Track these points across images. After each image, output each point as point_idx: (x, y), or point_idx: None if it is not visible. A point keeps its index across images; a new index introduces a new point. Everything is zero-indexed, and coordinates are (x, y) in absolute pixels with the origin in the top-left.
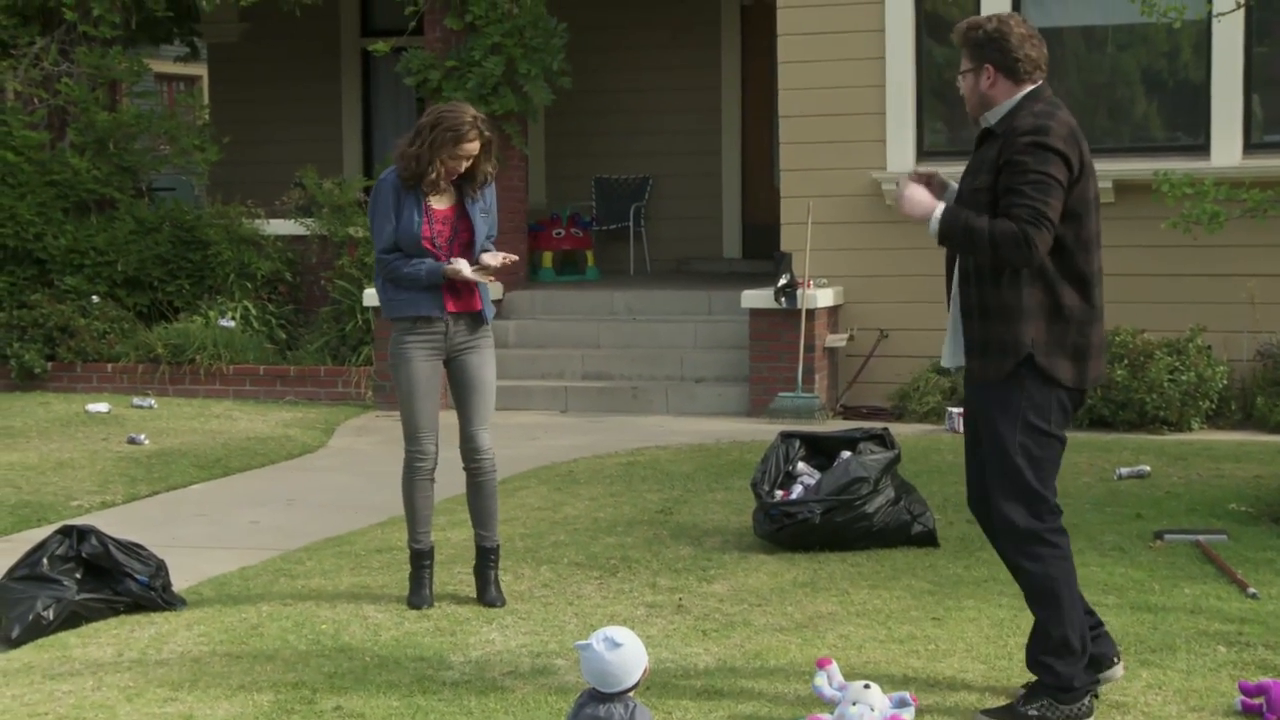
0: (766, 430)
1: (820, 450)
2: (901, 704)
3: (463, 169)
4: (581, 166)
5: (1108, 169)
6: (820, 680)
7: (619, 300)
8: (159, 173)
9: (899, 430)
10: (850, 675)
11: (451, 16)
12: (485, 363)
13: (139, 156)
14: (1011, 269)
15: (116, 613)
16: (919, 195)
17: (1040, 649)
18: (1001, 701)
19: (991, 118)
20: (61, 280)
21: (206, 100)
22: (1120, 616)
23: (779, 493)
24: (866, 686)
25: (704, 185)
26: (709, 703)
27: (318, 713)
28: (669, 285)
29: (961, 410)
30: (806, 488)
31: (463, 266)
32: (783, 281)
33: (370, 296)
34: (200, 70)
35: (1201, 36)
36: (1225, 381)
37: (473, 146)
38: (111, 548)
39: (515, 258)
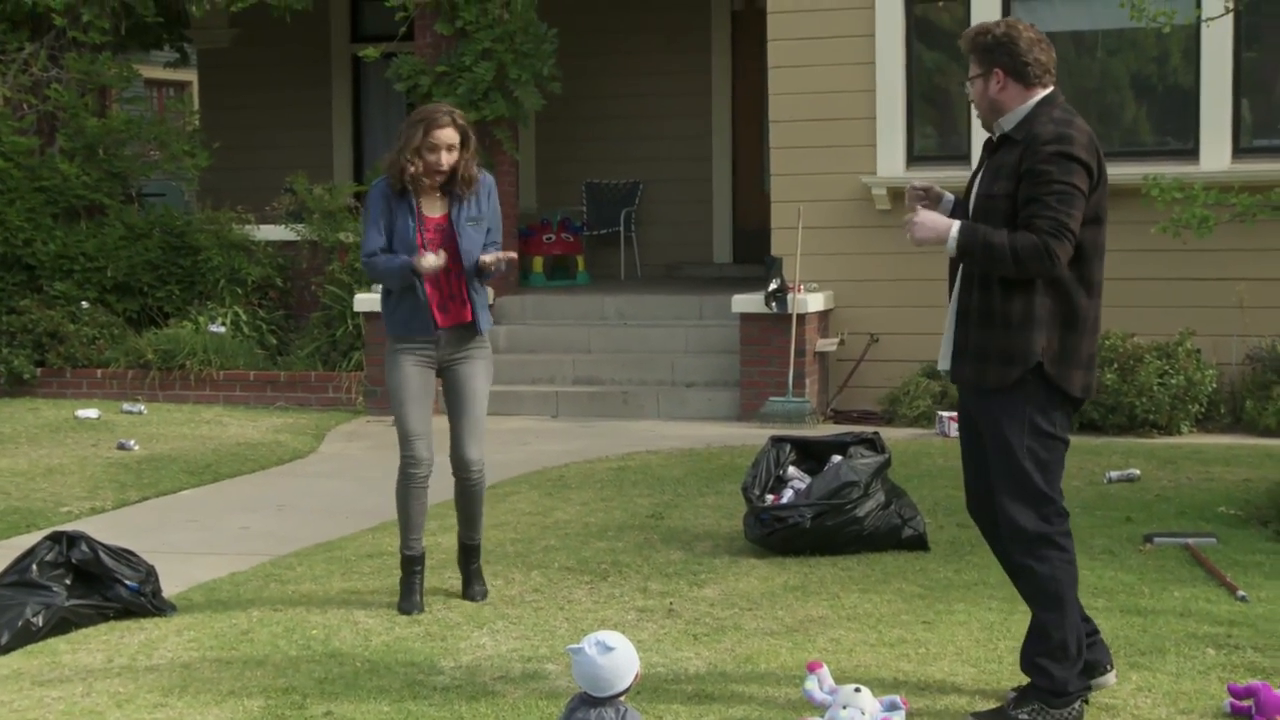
0: (757, 435)
1: (811, 455)
2: (892, 707)
3: (443, 164)
4: (572, 171)
5: None
6: (811, 684)
7: (610, 305)
8: (148, 179)
9: (889, 434)
10: (841, 679)
11: (442, 22)
12: (477, 373)
13: (128, 162)
14: (1022, 282)
15: (106, 619)
16: (931, 219)
17: (1038, 651)
18: (992, 704)
19: (1006, 124)
20: (51, 286)
21: (196, 106)
22: (1109, 619)
23: (770, 497)
24: (857, 690)
25: (694, 190)
26: (700, 706)
27: (308, 718)
28: (659, 290)
29: (952, 414)
30: (797, 492)
31: (428, 258)
32: (773, 286)
33: (361, 302)
34: (190, 76)
35: (1190, 41)
36: (1214, 385)
37: (445, 134)
38: (101, 554)
39: (513, 255)
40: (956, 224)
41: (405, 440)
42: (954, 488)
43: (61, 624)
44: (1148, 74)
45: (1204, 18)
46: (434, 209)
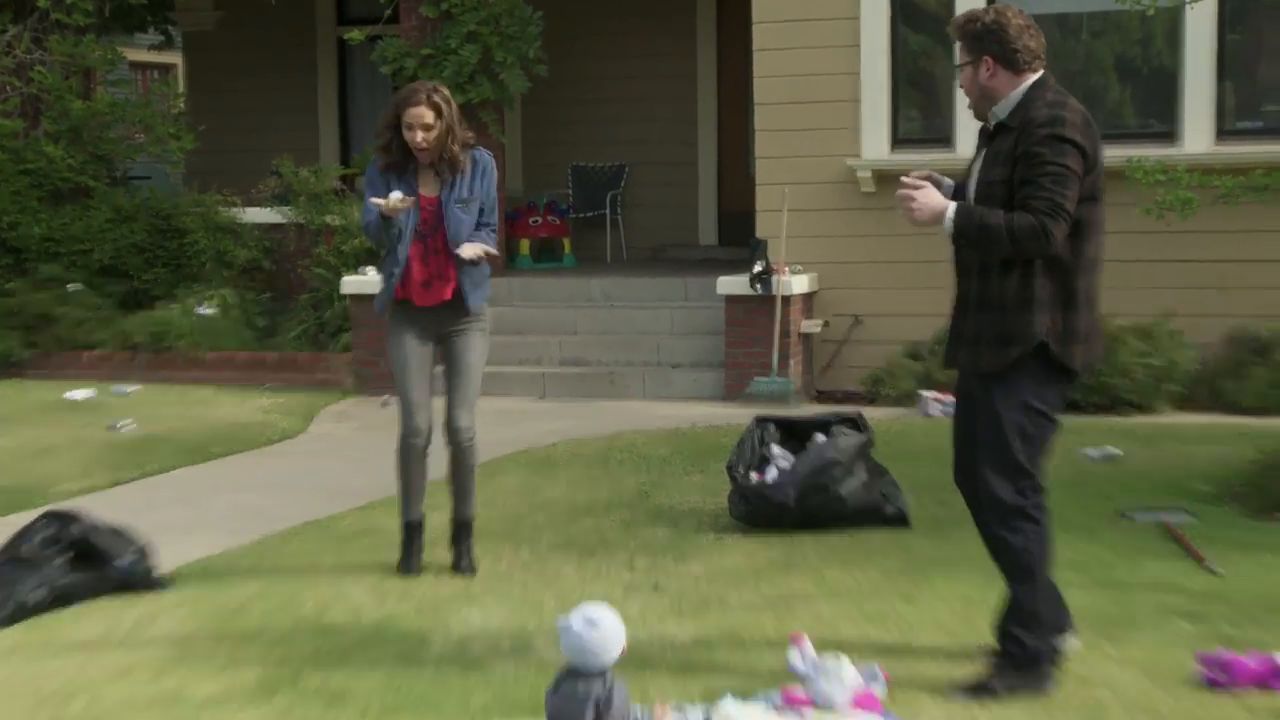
0: (742, 414)
1: (794, 434)
2: (872, 677)
3: (419, 141)
4: (558, 155)
5: None
6: (794, 655)
7: (596, 287)
8: (134, 161)
9: (872, 414)
10: (823, 650)
11: (427, 4)
12: (470, 347)
13: (114, 145)
14: (1023, 260)
15: (103, 594)
16: (930, 200)
17: (1012, 621)
18: (968, 670)
19: (1001, 111)
20: (39, 268)
21: (181, 89)
22: (1086, 593)
23: (754, 475)
24: (839, 661)
25: (680, 173)
26: (685, 678)
27: (302, 690)
28: (645, 272)
29: (934, 394)
30: (781, 470)
31: (391, 197)
32: (758, 268)
33: (348, 284)
34: (175, 59)
35: (1174, 24)
36: (1194, 365)
37: (418, 111)
38: (97, 531)
39: (491, 250)
40: (953, 205)
41: (405, 411)
42: (936, 466)
43: (59, 599)
44: (1131, 57)
45: (1187, 1)
46: (430, 188)
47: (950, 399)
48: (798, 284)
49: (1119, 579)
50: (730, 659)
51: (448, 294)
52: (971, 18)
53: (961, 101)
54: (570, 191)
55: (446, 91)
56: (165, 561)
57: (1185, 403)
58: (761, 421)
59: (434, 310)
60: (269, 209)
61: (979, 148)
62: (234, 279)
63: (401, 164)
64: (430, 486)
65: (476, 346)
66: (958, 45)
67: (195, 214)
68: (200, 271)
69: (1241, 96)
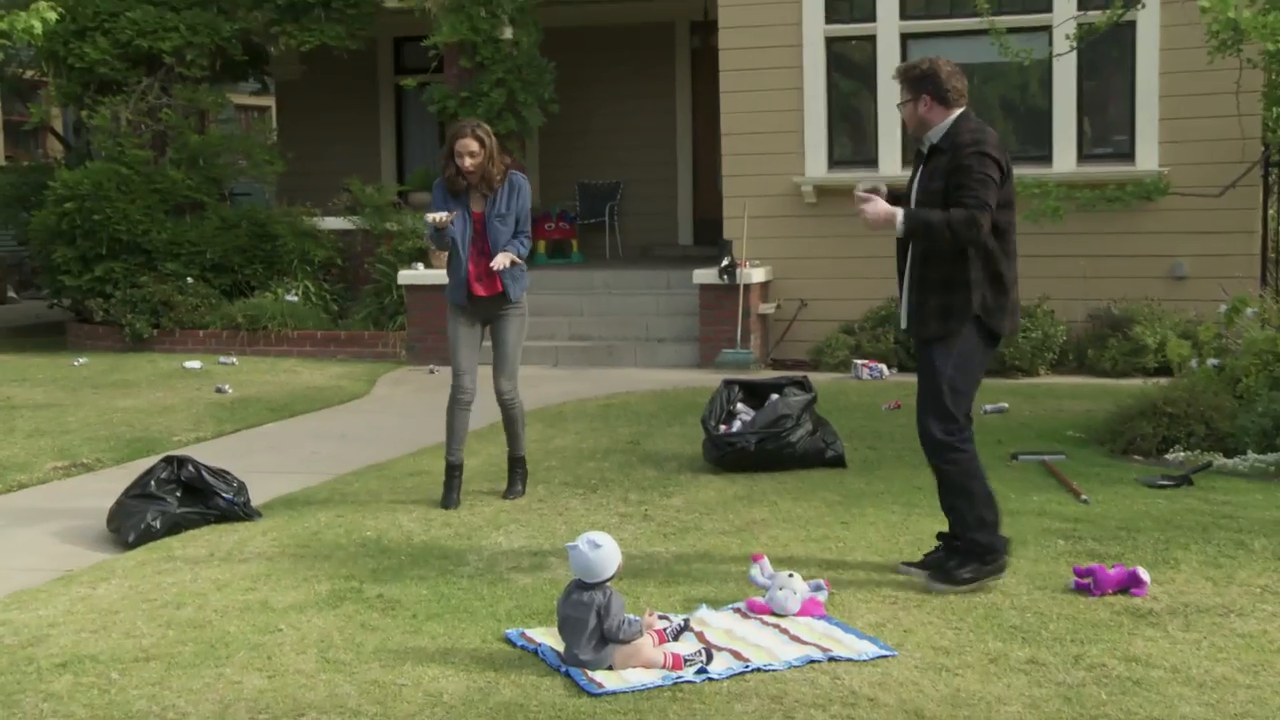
0: (713, 379)
1: (754, 394)
2: (817, 588)
3: (467, 165)
4: (568, 174)
5: None
6: (755, 571)
7: (598, 278)
8: (238, 182)
9: (816, 378)
10: (778, 566)
11: (465, 58)
12: (507, 329)
13: (222, 169)
14: (958, 250)
15: (208, 523)
16: (882, 208)
17: (963, 528)
18: (896, 581)
19: (934, 136)
20: (163, 266)
21: (274, 125)
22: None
23: (722, 427)
24: (790, 575)
25: (663, 188)
26: (668, 588)
27: (364, 599)
28: (637, 266)
29: (864, 361)
30: (744, 423)
31: (438, 215)
32: (725, 262)
33: (404, 277)
34: (270, 101)
35: (1045, 72)
36: (1064, 338)
37: (468, 143)
38: (204, 472)
39: (516, 259)
40: (901, 210)
41: (454, 374)
42: (867, 419)
43: (174, 527)
44: (1012, 97)
45: (1054, 54)
46: (478, 205)
47: (876, 365)
48: (756, 275)
49: (1010, 507)
50: (704, 574)
51: (498, 287)
52: (913, 65)
53: (883, 129)
54: (577, 203)
55: (488, 127)
56: (257, 496)
57: (1058, 367)
58: (728, 384)
59: (485, 299)
60: (341, 218)
61: (916, 165)
62: (314, 273)
63: (460, 185)
64: (471, 437)
65: (515, 328)
66: (901, 87)
67: (284, 222)
68: (288, 267)
69: (1096, 129)
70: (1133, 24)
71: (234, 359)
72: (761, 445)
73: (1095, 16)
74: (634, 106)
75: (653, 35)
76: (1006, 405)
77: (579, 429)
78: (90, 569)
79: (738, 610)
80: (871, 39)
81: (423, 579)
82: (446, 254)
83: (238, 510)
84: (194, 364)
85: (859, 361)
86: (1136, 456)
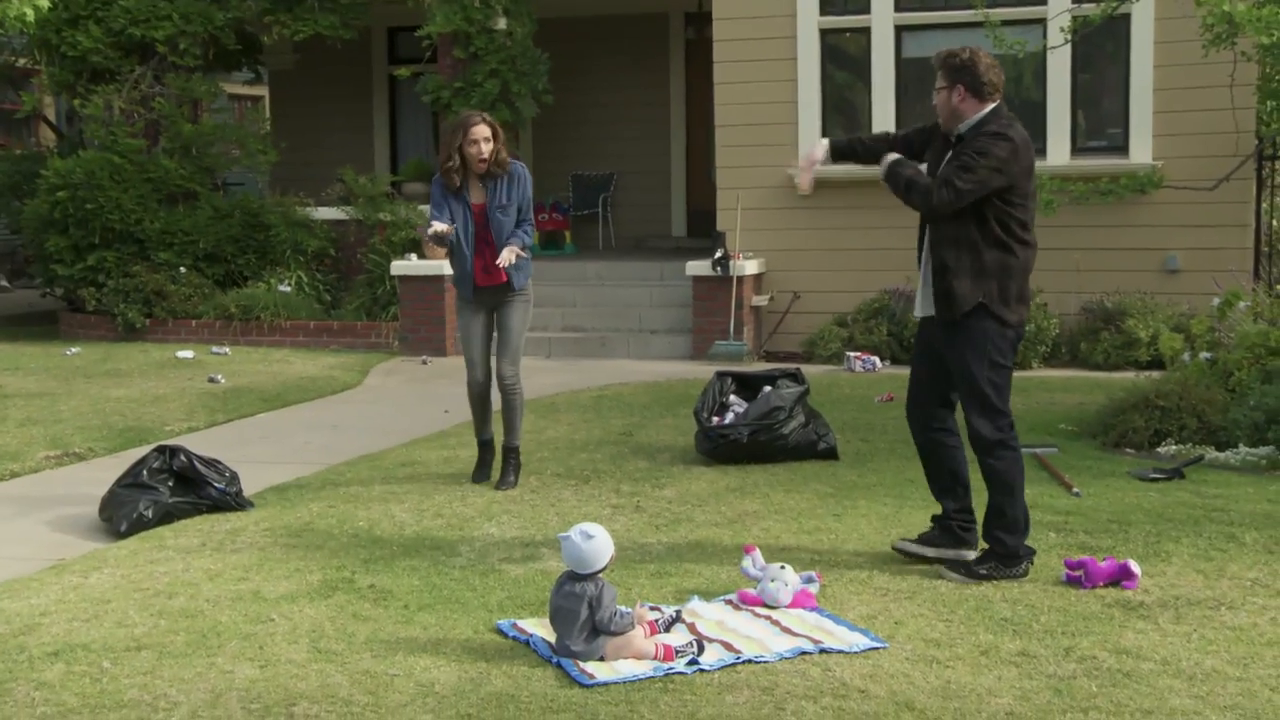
0: (705, 370)
1: (747, 385)
2: (809, 580)
3: (483, 153)
4: (561, 165)
5: None
6: (746, 562)
7: (590, 269)
8: (231, 171)
9: (808, 370)
10: (770, 558)
11: (459, 48)
12: (511, 315)
13: (215, 159)
14: (970, 240)
15: (200, 512)
16: (813, 153)
17: (995, 525)
18: (887, 575)
19: (963, 128)
20: (156, 255)
21: (268, 115)
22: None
23: (715, 419)
24: (782, 567)
25: (657, 179)
26: (660, 580)
27: (356, 589)
28: (630, 257)
29: (857, 354)
30: (737, 414)
31: (439, 227)
32: (718, 254)
33: (397, 268)
34: (263, 91)
35: (1039, 65)
36: (1057, 331)
37: (481, 129)
38: (196, 462)
39: (520, 251)
40: (893, 156)
41: (467, 363)
42: (859, 411)
43: (166, 516)
44: (1007, 90)
45: (1048, 46)
46: (478, 196)
47: (869, 357)
48: (750, 267)
49: None
50: (696, 565)
51: (503, 277)
52: (952, 54)
53: (877, 122)
54: (570, 194)
55: (492, 118)
56: (249, 486)
57: (1051, 360)
58: (721, 375)
59: (490, 289)
60: (335, 208)
61: (938, 150)
62: (307, 263)
63: (457, 182)
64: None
65: (519, 314)
66: (939, 73)
67: (277, 212)
68: (281, 257)
69: (1090, 122)
70: (1127, 17)
71: (226, 349)
72: (754, 437)
73: (1090, 9)
74: (628, 98)
75: (647, 26)
76: None
77: (571, 420)
78: (82, 558)
79: (729, 602)
80: (866, 31)
81: (415, 569)
82: (445, 250)
83: (230, 500)
84: (186, 354)
85: (852, 354)
86: (1128, 450)
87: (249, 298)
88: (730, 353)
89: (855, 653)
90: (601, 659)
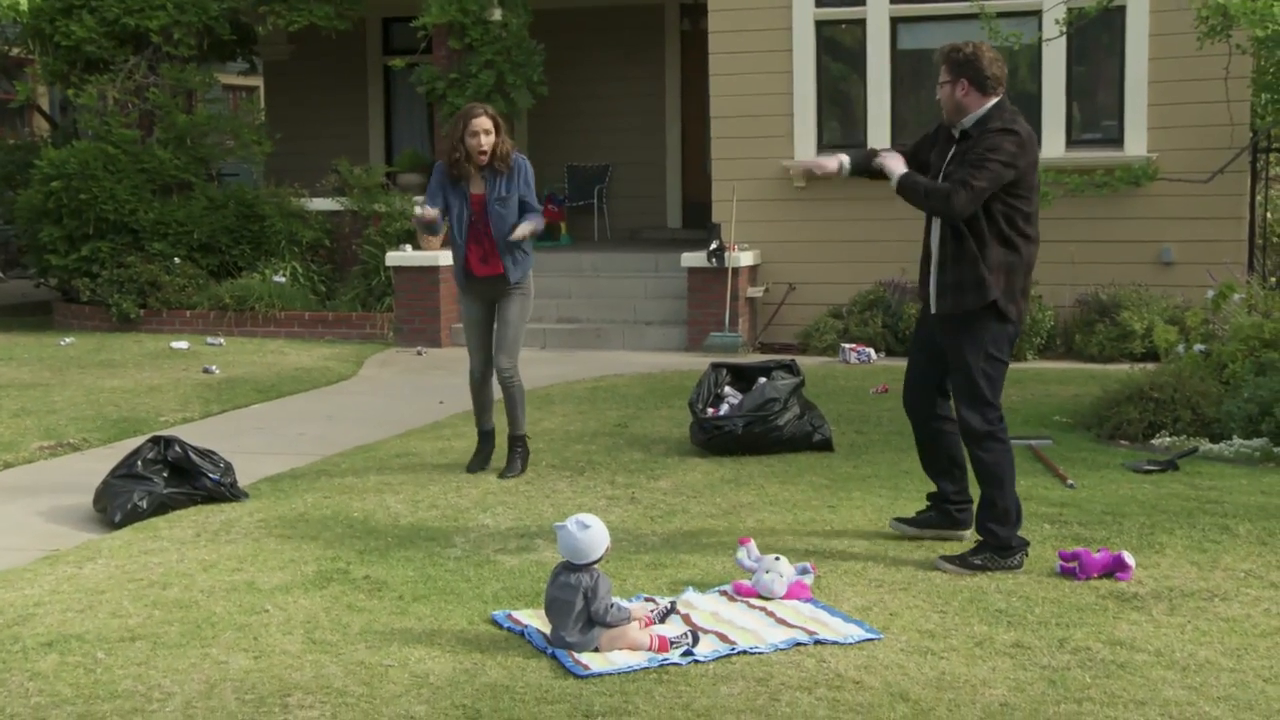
0: (700, 362)
1: (742, 377)
2: (804, 572)
3: (483, 145)
4: (556, 156)
5: None
6: (741, 554)
7: (586, 261)
8: (225, 162)
9: (803, 361)
10: (765, 550)
11: (454, 39)
12: (509, 307)
13: (210, 149)
14: (978, 236)
15: (195, 503)
16: (894, 163)
17: (987, 517)
18: (880, 567)
19: (967, 123)
20: (150, 246)
21: (262, 105)
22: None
23: (710, 410)
24: (777, 558)
25: (652, 171)
26: (655, 572)
27: (351, 580)
28: (625, 249)
29: (852, 345)
30: (731, 406)
31: (426, 210)
32: (714, 246)
33: (392, 258)
34: (257, 82)
35: (1035, 57)
36: (1052, 323)
37: (481, 121)
38: (190, 453)
39: (535, 227)
40: (904, 170)
41: (470, 355)
42: (854, 403)
43: (160, 507)
44: None
45: (1044, 38)
46: (477, 187)
47: (864, 349)
48: (745, 259)
49: None
50: (691, 557)
51: (500, 269)
52: (955, 48)
53: (872, 113)
54: (566, 185)
55: (494, 110)
56: (244, 477)
57: (1046, 352)
58: (716, 367)
59: (489, 280)
60: (330, 199)
61: (942, 147)
62: (301, 254)
63: (464, 171)
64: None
65: (517, 308)
66: (942, 68)
67: (272, 203)
68: (275, 248)
69: (1085, 114)
70: (1122, 9)
71: (221, 340)
72: (749, 428)
73: (1085, 1)
74: (623, 89)
75: (642, 17)
76: None
77: (566, 411)
78: (76, 549)
79: (724, 593)
80: (861, 23)
81: (409, 560)
82: (439, 238)
83: (224, 491)
84: (181, 344)
85: (847, 345)
86: (1123, 441)
87: (244, 288)
88: (725, 344)
89: (850, 644)
90: (596, 650)
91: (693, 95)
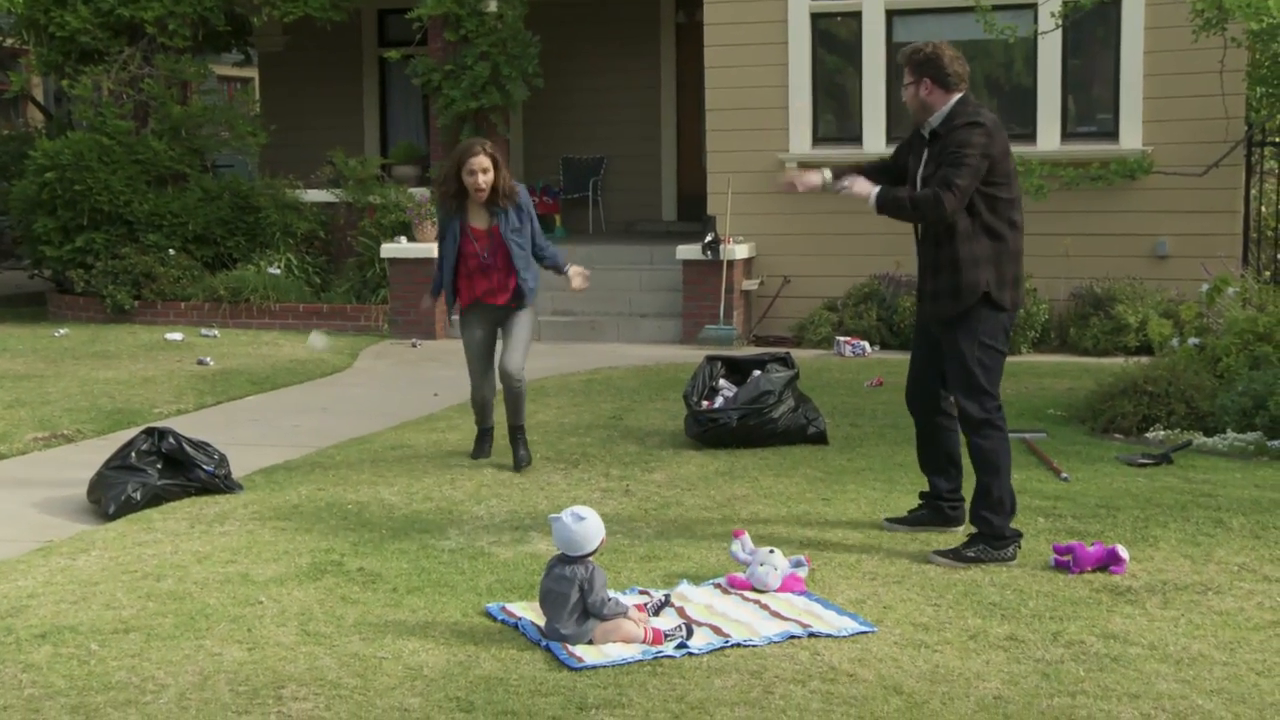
0: (695, 354)
1: (737, 370)
2: (798, 564)
3: (480, 184)
4: (552, 148)
5: None
6: (736, 547)
7: (581, 253)
8: (220, 153)
9: (798, 354)
10: (759, 543)
11: (449, 31)
12: (517, 322)
13: (205, 141)
14: (963, 230)
15: (189, 495)
16: (862, 185)
17: (982, 506)
18: (875, 559)
19: (934, 121)
20: (145, 237)
21: (257, 96)
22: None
23: (705, 403)
24: (771, 551)
25: (647, 163)
26: (650, 564)
27: (345, 572)
28: (620, 241)
29: (847, 339)
30: (726, 399)
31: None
32: (708, 238)
33: (387, 250)
34: (253, 73)
35: (1030, 50)
36: (1046, 316)
37: (480, 160)
38: (185, 444)
39: (586, 272)
40: (877, 189)
41: (472, 381)
42: (849, 395)
43: (154, 499)
44: (997, 75)
45: (1039, 31)
46: (480, 221)
47: (859, 342)
48: (740, 251)
49: None
50: (685, 549)
51: (503, 300)
52: (916, 50)
53: (868, 106)
54: (561, 177)
55: (491, 146)
56: (238, 469)
57: (1040, 345)
58: (711, 360)
59: (499, 308)
60: (325, 190)
61: (917, 150)
62: (296, 246)
63: (455, 208)
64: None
65: (524, 321)
66: (905, 70)
67: (267, 194)
68: (270, 240)
69: (1080, 107)
70: (1118, 2)
71: (215, 331)
72: (743, 421)
73: None
74: (618, 81)
75: (638, 10)
76: None
77: (561, 404)
78: (70, 540)
79: (718, 586)
80: (857, 15)
81: (404, 552)
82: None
83: (219, 482)
84: (175, 336)
85: (841, 338)
86: (1117, 435)
87: (238, 280)
88: (720, 337)
89: (844, 637)
90: (590, 643)
91: (688, 88)
